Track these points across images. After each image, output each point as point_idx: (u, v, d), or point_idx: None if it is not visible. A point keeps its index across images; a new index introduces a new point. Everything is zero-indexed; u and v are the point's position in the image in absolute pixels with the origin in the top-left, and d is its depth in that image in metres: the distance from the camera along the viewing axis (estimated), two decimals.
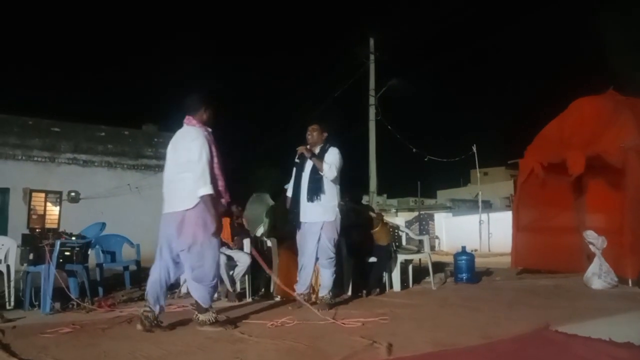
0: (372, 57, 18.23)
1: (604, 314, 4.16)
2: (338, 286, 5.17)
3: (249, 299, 5.42)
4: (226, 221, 6.25)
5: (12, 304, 4.92)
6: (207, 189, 3.58)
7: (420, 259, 6.97)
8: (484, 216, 22.34)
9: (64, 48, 52.86)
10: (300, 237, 4.77)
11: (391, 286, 5.95)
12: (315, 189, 4.62)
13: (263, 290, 5.77)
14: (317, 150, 4.75)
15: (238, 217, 6.77)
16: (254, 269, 5.56)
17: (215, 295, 5.52)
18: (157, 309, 3.64)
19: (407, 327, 3.70)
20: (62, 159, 14.69)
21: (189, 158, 3.64)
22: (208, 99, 3.94)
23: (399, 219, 24.36)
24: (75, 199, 14.51)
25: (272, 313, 4.36)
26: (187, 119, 3.84)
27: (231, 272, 5.49)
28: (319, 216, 4.61)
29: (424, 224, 25.72)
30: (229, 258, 5.47)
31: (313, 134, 4.80)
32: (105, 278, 6.20)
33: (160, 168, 13.02)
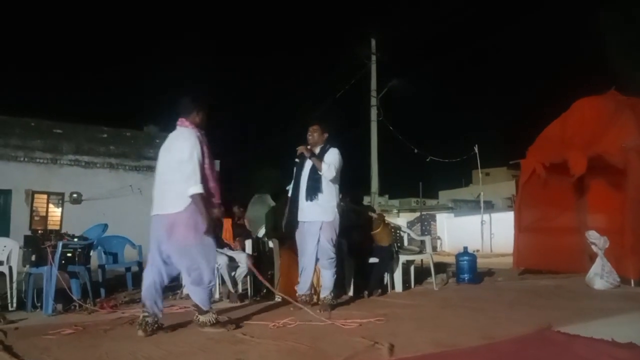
0: (373, 57, 18.21)
1: (606, 315, 4.16)
2: (339, 287, 5.17)
3: (250, 300, 5.42)
4: (228, 222, 6.27)
5: (15, 305, 4.93)
6: (198, 188, 3.57)
7: (422, 260, 6.96)
8: (486, 217, 22.33)
9: (66, 49, 52.97)
10: (299, 236, 4.77)
11: (393, 287, 5.94)
12: (314, 188, 4.62)
13: (264, 291, 5.77)
14: (317, 150, 4.75)
15: (239, 218, 6.78)
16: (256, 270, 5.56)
17: (217, 296, 5.57)
18: (155, 312, 3.62)
19: (408, 328, 3.70)
20: (64, 161, 14.71)
21: (180, 158, 3.63)
22: (201, 101, 3.94)
23: (401, 220, 24.36)
24: (77, 201, 14.52)
25: (273, 314, 4.36)
26: (180, 120, 3.84)
27: (233, 273, 5.49)
28: (318, 216, 4.62)
29: (425, 224, 25.72)
30: (231, 259, 5.48)
31: (314, 134, 4.81)
32: (107, 279, 6.21)
33: None
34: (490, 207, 27.43)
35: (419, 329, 3.61)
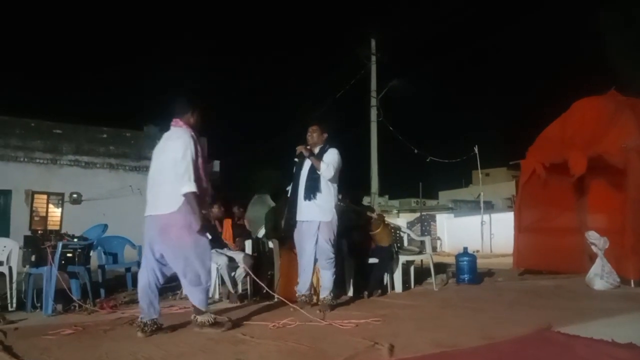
0: (373, 58, 18.21)
1: (606, 315, 4.16)
2: (339, 287, 5.17)
3: (250, 300, 5.41)
4: (228, 222, 6.27)
5: (14, 305, 4.93)
6: (191, 186, 3.55)
7: (422, 260, 6.96)
8: (486, 217, 22.32)
9: (66, 49, 53.00)
10: (297, 236, 4.78)
11: (393, 287, 5.94)
12: (313, 187, 4.63)
13: (264, 291, 5.77)
14: (316, 150, 4.77)
15: (239, 218, 6.78)
16: (256, 270, 5.55)
17: (217, 296, 5.57)
18: (151, 314, 3.61)
19: (408, 328, 3.70)
20: (64, 161, 14.71)
21: (174, 157, 3.61)
22: (196, 101, 3.93)
23: (401, 220, 24.34)
24: (77, 201, 14.52)
25: (273, 314, 4.36)
26: (175, 121, 3.83)
27: (233, 274, 5.49)
28: (316, 215, 4.62)
29: (425, 225, 25.72)
30: (231, 259, 5.48)
31: (313, 134, 4.82)
32: (107, 279, 6.21)
33: None
34: (490, 207, 27.44)
35: (419, 330, 3.61)
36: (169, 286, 3.87)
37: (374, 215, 6.02)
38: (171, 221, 3.60)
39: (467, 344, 3.11)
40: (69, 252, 4.93)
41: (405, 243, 6.73)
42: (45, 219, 14.47)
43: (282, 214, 5.09)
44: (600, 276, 5.80)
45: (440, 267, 7.71)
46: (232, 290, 5.40)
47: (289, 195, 4.97)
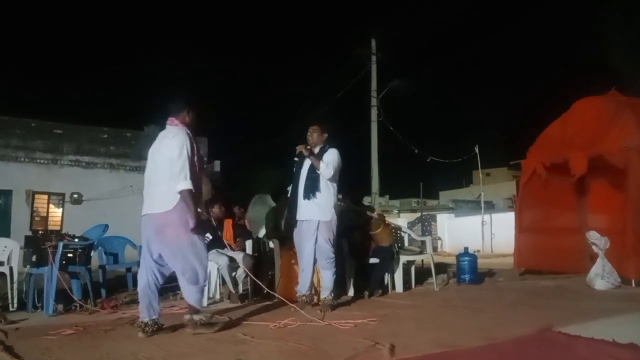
0: (373, 58, 18.21)
1: (607, 315, 4.15)
2: (340, 287, 5.17)
3: (251, 300, 5.41)
4: (228, 222, 6.27)
5: (15, 305, 4.94)
6: (187, 184, 3.54)
7: (422, 260, 6.96)
8: (487, 217, 22.34)
9: (66, 49, 53.02)
10: (297, 235, 4.78)
11: (393, 287, 5.94)
12: (312, 187, 4.64)
13: (265, 291, 5.77)
14: (317, 150, 4.77)
15: (240, 218, 6.79)
16: (256, 270, 5.55)
17: (218, 296, 5.57)
18: (153, 314, 3.61)
19: (409, 328, 3.70)
20: (65, 161, 14.72)
21: (170, 156, 3.60)
22: (192, 100, 3.93)
23: (401, 220, 24.35)
24: (77, 201, 14.53)
25: (274, 314, 4.36)
26: (170, 120, 3.83)
27: (233, 274, 5.49)
28: (315, 215, 4.63)
29: (426, 225, 25.74)
30: (231, 259, 5.48)
31: (313, 134, 4.82)
32: (108, 280, 6.21)
33: None
34: (490, 207, 27.45)
35: (420, 330, 3.61)
36: (170, 286, 3.86)
37: (375, 215, 6.03)
38: (167, 220, 3.59)
39: (468, 344, 3.11)
40: (70, 252, 4.93)
41: (406, 243, 6.73)
42: (46, 219, 14.49)
43: (282, 214, 5.09)
44: (601, 276, 5.80)
45: (441, 267, 7.72)
46: (232, 291, 5.41)
47: (289, 195, 4.98)
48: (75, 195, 14.53)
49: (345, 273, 5.52)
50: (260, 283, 4.96)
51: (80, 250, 5.02)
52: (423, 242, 6.93)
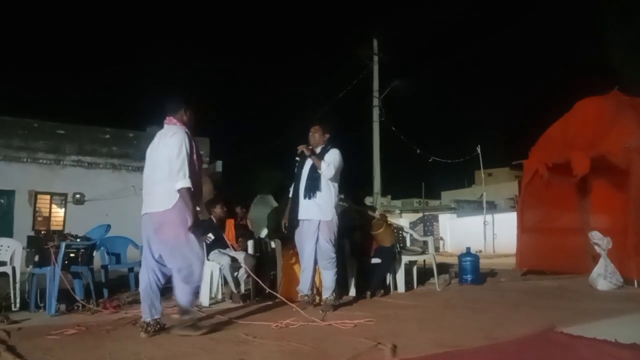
0: (375, 58, 18.21)
1: (609, 315, 4.14)
2: (342, 287, 5.17)
3: (253, 300, 5.42)
4: (230, 223, 6.28)
5: (18, 305, 4.94)
6: (186, 182, 3.54)
7: (424, 260, 6.96)
8: (489, 217, 22.33)
9: (68, 49, 53.13)
10: (298, 235, 4.78)
11: (395, 287, 5.94)
12: (313, 186, 4.64)
13: (267, 291, 5.77)
14: (318, 150, 4.77)
15: (242, 218, 6.79)
16: (258, 270, 5.56)
17: (221, 296, 5.57)
18: (155, 314, 3.61)
19: (411, 328, 3.70)
20: (67, 161, 14.76)
21: (168, 154, 3.59)
22: (189, 99, 3.92)
23: (403, 220, 24.37)
24: (80, 201, 14.57)
25: (276, 314, 4.36)
26: (168, 119, 3.82)
27: (235, 274, 5.50)
28: (316, 214, 4.63)
29: (428, 225, 25.74)
30: (233, 259, 5.48)
31: (315, 134, 4.83)
32: (110, 280, 6.21)
33: None
34: (492, 207, 27.40)
35: (422, 330, 3.61)
36: (171, 286, 3.84)
37: (376, 215, 6.02)
38: (166, 219, 3.59)
39: (470, 344, 3.10)
40: (72, 252, 4.93)
41: (408, 243, 6.72)
42: (48, 219, 14.54)
43: (284, 214, 5.09)
44: (604, 276, 5.79)
45: (443, 268, 7.71)
46: (234, 291, 5.41)
47: (290, 195, 4.98)
48: (78, 196, 14.57)
49: (347, 273, 5.52)
50: (262, 283, 4.97)
51: (82, 251, 5.03)
52: (425, 242, 6.93)
